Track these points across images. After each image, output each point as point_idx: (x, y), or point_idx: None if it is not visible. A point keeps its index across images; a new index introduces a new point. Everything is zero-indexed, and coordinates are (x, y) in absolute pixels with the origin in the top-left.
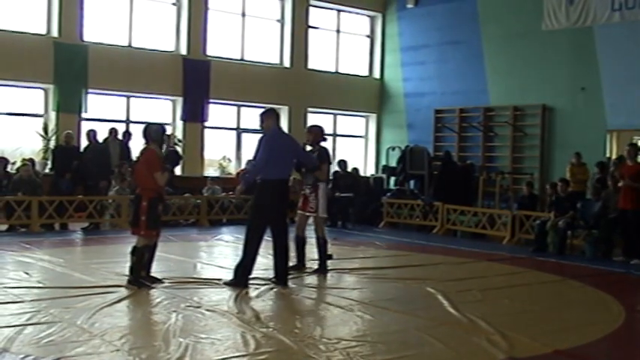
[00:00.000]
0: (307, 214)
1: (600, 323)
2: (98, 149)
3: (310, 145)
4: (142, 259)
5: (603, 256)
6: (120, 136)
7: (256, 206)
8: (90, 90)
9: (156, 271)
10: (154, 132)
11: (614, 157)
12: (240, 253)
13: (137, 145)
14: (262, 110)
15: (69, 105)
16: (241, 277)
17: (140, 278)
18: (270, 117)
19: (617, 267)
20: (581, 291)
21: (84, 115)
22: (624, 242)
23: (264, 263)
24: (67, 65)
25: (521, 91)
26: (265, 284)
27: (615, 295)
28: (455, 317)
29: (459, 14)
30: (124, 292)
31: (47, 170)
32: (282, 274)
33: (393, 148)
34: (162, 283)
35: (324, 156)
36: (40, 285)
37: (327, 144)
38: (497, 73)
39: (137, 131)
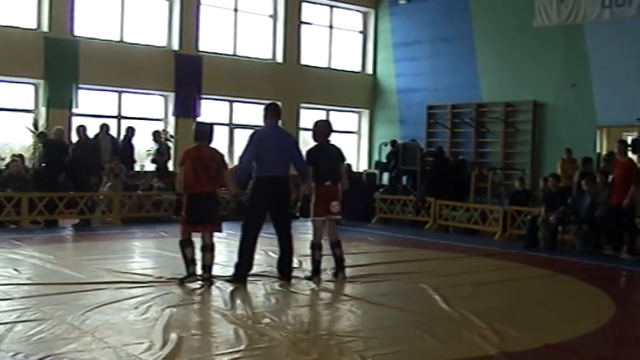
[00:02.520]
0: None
1: (591, 317)
2: (88, 145)
3: (315, 141)
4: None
5: (593, 251)
6: (112, 132)
7: (250, 204)
8: (81, 85)
9: (149, 267)
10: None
11: (604, 153)
12: (231, 248)
13: (139, 142)
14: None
15: (59, 100)
16: (240, 275)
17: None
18: (268, 113)
19: (607, 261)
20: (572, 285)
21: (75, 110)
22: (614, 237)
23: (257, 259)
24: (58, 60)
25: (512, 87)
26: (259, 281)
27: (605, 289)
28: (447, 312)
29: (451, 10)
30: (115, 288)
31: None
32: (285, 269)
33: (386, 144)
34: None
35: (308, 156)
36: (30, 282)
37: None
38: (489, 69)
39: (139, 127)
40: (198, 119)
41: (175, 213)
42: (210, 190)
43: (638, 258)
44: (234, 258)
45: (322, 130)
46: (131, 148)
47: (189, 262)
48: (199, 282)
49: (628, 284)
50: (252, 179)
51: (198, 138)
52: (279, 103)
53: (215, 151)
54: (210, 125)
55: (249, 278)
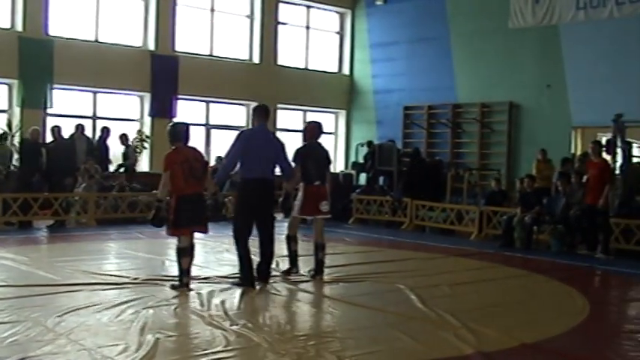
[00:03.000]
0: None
1: (566, 317)
2: (63, 145)
3: (304, 141)
4: None
5: (568, 251)
6: (87, 132)
7: (237, 206)
8: (55, 85)
9: (125, 268)
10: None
11: (579, 153)
12: (207, 249)
13: (115, 142)
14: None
15: (34, 100)
16: (245, 278)
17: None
18: (256, 114)
19: (581, 261)
20: (547, 285)
21: (49, 110)
22: (589, 237)
23: (234, 260)
24: (32, 60)
25: (488, 88)
26: (235, 282)
27: (580, 288)
28: (424, 312)
29: (427, 11)
30: (90, 290)
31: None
32: (262, 273)
33: (363, 145)
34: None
35: (296, 156)
36: (4, 284)
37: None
38: (465, 70)
39: (115, 128)
40: (175, 119)
41: (155, 219)
42: (199, 192)
43: (612, 258)
44: (212, 259)
45: (312, 131)
46: (106, 148)
47: (184, 272)
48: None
49: (602, 283)
50: (229, 179)
51: (176, 139)
52: (267, 105)
53: (196, 150)
54: (186, 125)
55: (227, 280)
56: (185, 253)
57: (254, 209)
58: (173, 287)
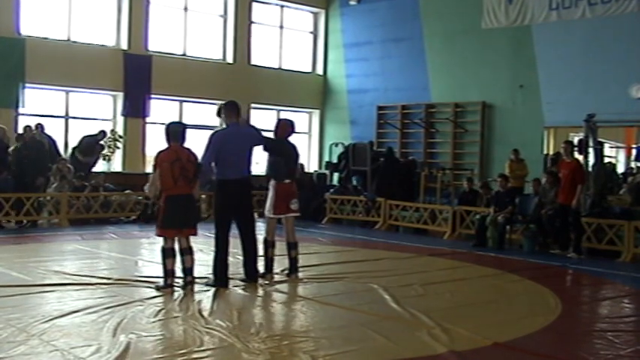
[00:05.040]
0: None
1: (538, 316)
2: (34, 145)
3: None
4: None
5: (541, 250)
6: (61, 132)
7: (215, 207)
8: (27, 85)
9: (98, 269)
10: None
11: (551, 153)
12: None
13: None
14: (223, 102)
15: (5, 100)
16: (219, 278)
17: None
18: (229, 111)
19: (553, 260)
20: (520, 284)
21: (21, 110)
22: (561, 236)
23: (204, 260)
24: (3, 59)
25: (461, 88)
26: (209, 283)
27: (552, 287)
28: (397, 312)
29: (401, 11)
30: (63, 290)
31: None
32: (250, 272)
33: (337, 144)
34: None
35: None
36: None
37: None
38: (438, 70)
39: (88, 127)
40: (148, 119)
41: (142, 216)
42: (189, 193)
43: (583, 257)
44: (199, 258)
45: (284, 128)
46: (101, 148)
47: (169, 272)
48: (180, 287)
49: (574, 283)
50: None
51: (172, 138)
52: (236, 101)
53: (190, 151)
54: (183, 125)
55: (199, 280)
56: (169, 254)
57: (233, 210)
58: (157, 288)
